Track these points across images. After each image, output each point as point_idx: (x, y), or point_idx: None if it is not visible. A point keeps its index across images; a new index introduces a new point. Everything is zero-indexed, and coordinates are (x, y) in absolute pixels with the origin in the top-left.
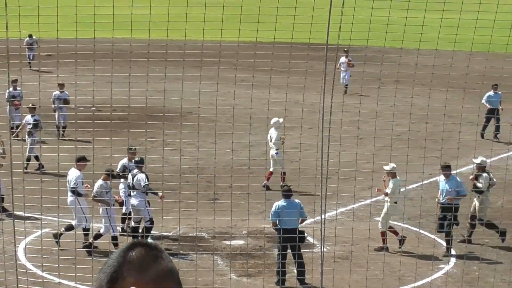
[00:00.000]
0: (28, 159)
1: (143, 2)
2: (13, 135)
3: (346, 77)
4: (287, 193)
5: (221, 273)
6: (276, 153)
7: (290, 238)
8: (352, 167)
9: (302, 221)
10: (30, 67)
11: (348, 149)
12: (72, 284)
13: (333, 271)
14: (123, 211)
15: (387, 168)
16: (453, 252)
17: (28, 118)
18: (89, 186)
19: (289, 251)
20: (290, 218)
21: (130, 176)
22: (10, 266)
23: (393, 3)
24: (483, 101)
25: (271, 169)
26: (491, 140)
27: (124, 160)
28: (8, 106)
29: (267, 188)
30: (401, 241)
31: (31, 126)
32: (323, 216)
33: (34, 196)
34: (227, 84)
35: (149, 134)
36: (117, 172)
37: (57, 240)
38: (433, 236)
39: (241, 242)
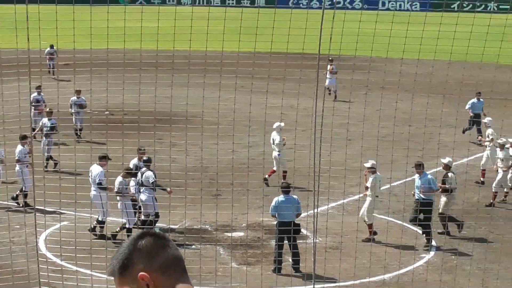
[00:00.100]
0: (48, 159)
1: (152, 16)
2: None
3: (332, 83)
4: (286, 189)
5: (223, 262)
6: (278, 154)
7: (287, 230)
8: (341, 166)
9: (297, 215)
10: (52, 74)
11: (338, 150)
12: (88, 271)
13: (325, 260)
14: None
15: (367, 165)
16: (433, 243)
17: (45, 121)
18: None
19: (285, 242)
20: (288, 212)
21: (139, 174)
22: (32, 256)
23: (379, 17)
24: (467, 107)
25: (274, 168)
26: (469, 142)
27: (135, 160)
28: (32, 110)
29: (265, 180)
30: (373, 232)
31: (48, 128)
32: (315, 210)
33: (53, 192)
34: (228, 90)
35: (158, 136)
36: (132, 170)
37: (94, 232)
38: (415, 229)
39: (241, 234)
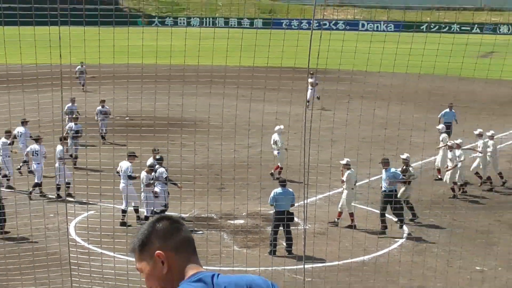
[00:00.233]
0: (76, 157)
1: (166, 36)
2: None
3: (313, 94)
4: (283, 183)
5: (226, 246)
6: (278, 153)
7: (282, 218)
8: (327, 163)
9: (292, 205)
10: (83, 91)
11: (324, 149)
12: (111, 253)
13: (313, 244)
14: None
15: (342, 162)
16: (405, 228)
17: (72, 125)
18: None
19: (280, 228)
20: (284, 203)
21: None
22: (63, 240)
23: (359, 36)
24: (440, 116)
25: (278, 164)
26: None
27: (151, 159)
28: (66, 118)
29: (271, 175)
30: (335, 221)
31: (73, 132)
32: (305, 201)
33: (81, 186)
34: (230, 99)
35: (170, 138)
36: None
37: (125, 221)
38: (390, 217)
39: (242, 221)
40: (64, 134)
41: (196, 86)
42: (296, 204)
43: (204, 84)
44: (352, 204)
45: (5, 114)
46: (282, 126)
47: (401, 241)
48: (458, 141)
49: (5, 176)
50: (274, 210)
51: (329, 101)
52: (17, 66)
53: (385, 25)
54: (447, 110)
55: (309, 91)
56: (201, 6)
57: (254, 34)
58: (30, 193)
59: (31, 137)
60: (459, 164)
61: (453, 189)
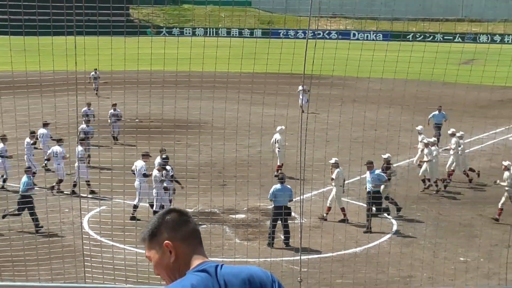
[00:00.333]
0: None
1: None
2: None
3: (304, 100)
4: (282, 180)
5: (228, 238)
6: (279, 151)
7: (281, 213)
8: (322, 162)
9: (290, 201)
10: (97, 95)
11: (319, 149)
12: (121, 246)
13: (309, 237)
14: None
15: (331, 161)
16: (394, 222)
17: (84, 127)
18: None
19: (278, 222)
20: (282, 199)
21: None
22: (77, 233)
23: (351, 45)
24: (429, 117)
25: (278, 163)
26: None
27: (159, 158)
28: (83, 122)
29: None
30: (323, 216)
31: (83, 133)
32: (301, 197)
33: (95, 183)
34: (232, 102)
35: (177, 138)
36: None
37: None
38: (379, 216)
39: (242, 216)
40: (79, 136)
41: (200, 91)
42: (293, 200)
43: (208, 89)
44: (343, 199)
45: (25, 117)
46: (283, 127)
47: (390, 234)
48: (432, 139)
49: (34, 173)
50: (272, 205)
51: (323, 104)
52: (36, 72)
53: (375, 34)
54: (436, 112)
55: (300, 97)
56: (205, 18)
57: (254, 43)
58: (53, 188)
59: (51, 137)
60: (434, 160)
61: (423, 181)
